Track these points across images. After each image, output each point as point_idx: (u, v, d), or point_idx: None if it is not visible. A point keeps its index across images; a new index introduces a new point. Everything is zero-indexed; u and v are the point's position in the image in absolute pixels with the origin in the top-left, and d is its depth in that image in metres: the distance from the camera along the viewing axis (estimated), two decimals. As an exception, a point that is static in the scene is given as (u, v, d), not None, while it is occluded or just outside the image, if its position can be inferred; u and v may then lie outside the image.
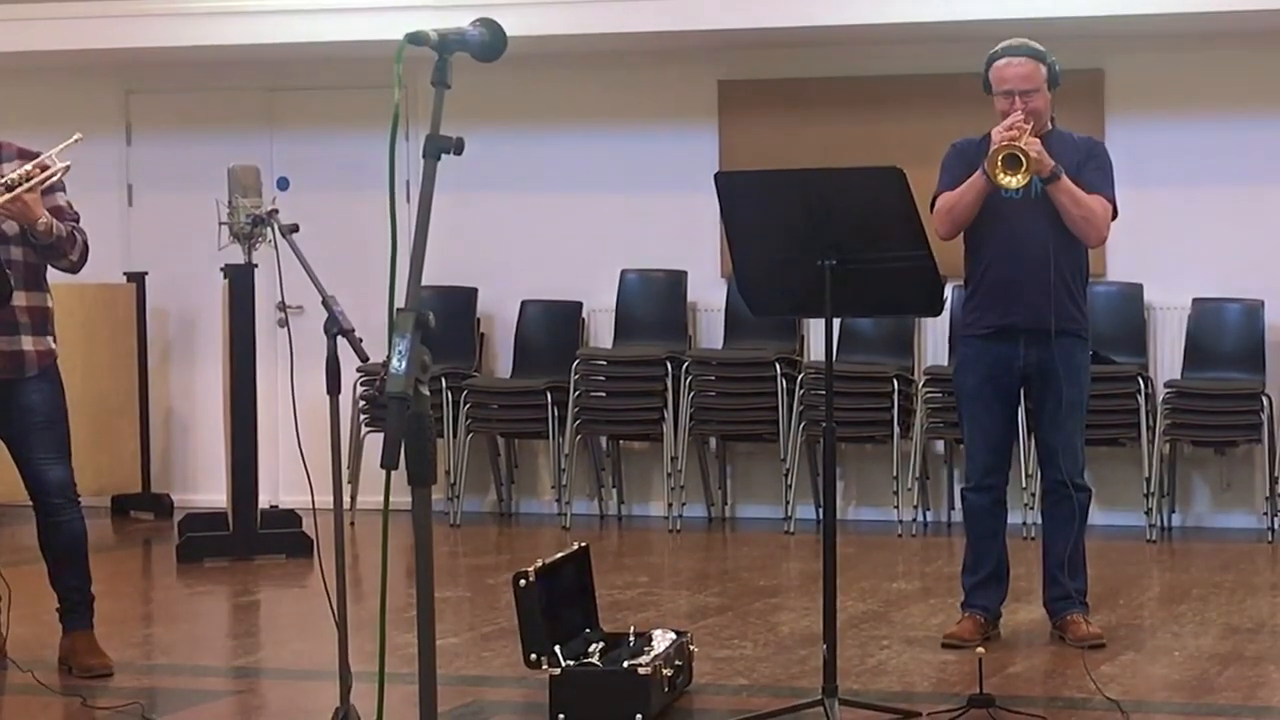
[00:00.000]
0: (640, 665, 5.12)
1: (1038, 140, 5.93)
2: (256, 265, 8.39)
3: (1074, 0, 8.60)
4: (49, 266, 5.80)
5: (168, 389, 10.35)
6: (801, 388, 9.04)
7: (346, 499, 8.29)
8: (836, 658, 5.04)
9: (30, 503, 5.87)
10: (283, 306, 6.48)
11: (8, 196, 5.50)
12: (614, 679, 5.11)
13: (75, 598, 5.90)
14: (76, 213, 5.84)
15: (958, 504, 8.39)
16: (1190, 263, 9.13)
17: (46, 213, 5.61)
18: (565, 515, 9.35)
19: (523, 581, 5.23)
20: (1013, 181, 5.85)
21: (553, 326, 9.79)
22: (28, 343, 5.73)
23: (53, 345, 5.82)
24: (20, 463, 5.77)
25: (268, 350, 9.10)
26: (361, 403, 9.50)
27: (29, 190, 5.54)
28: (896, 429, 8.96)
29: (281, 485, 9.78)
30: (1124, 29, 8.91)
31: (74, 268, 5.79)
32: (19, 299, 5.70)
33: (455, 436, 9.39)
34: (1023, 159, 5.81)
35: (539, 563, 5.35)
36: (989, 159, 5.85)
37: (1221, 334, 9.05)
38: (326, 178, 10.03)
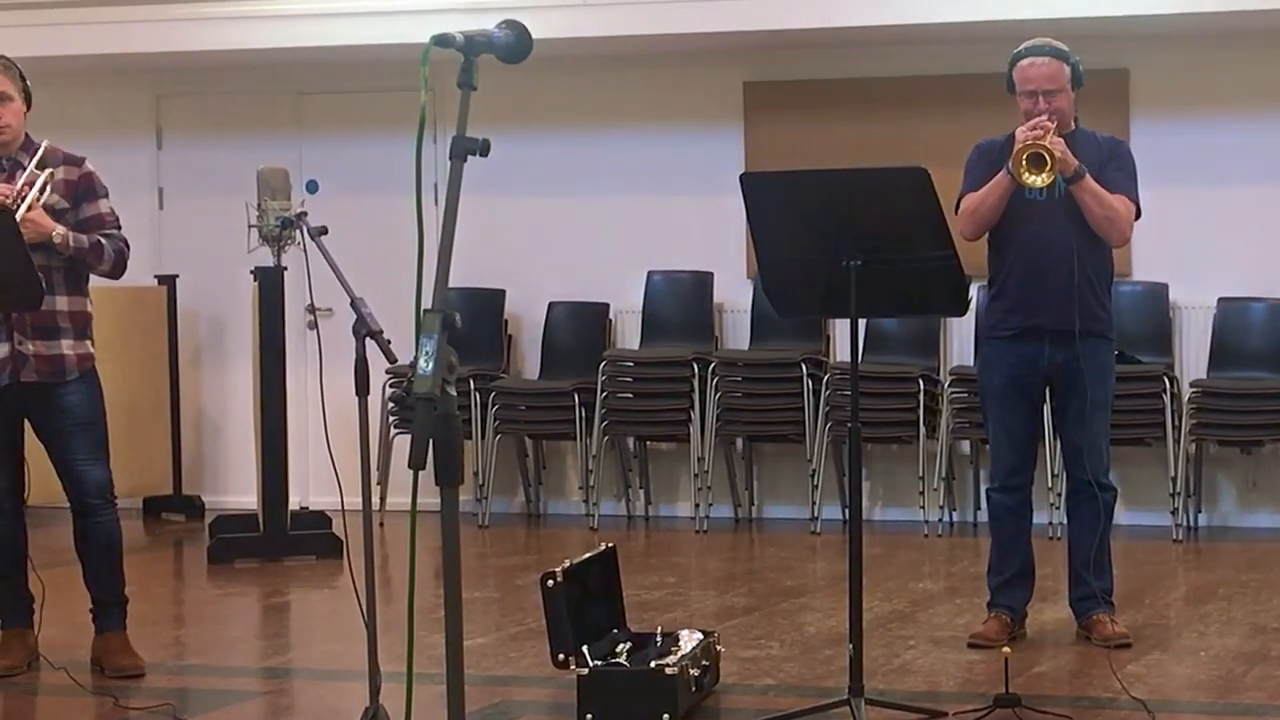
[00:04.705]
0: (667, 665, 5.14)
1: (1062, 140, 5.94)
2: (286, 268, 8.43)
3: (1098, 0, 8.60)
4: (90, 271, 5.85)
5: (199, 391, 10.41)
6: (827, 388, 9.06)
7: (375, 500, 8.33)
8: (862, 658, 5.05)
9: (65, 504, 5.92)
10: (312, 308, 6.54)
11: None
12: (641, 679, 5.13)
13: (108, 598, 5.94)
14: (117, 218, 5.88)
15: (983, 504, 8.40)
16: (1216, 262, 9.13)
17: (60, 228, 5.66)
18: (593, 516, 9.38)
19: (550, 582, 5.25)
20: (1038, 180, 5.86)
21: (580, 328, 9.82)
22: (68, 347, 5.78)
23: (91, 349, 5.86)
24: (59, 464, 5.81)
25: (297, 352, 9.15)
26: (390, 404, 9.53)
27: (29, 210, 5.58)
28: (922, 429, 8.97)
29: (311, 486, 9.82)
30: (1148, 29, 8.90)
31: (108, 275, 5.84)
32: (60, 304, 5.75)
33: (483, 438, 9.42)
34: (1047, 158, 5.82)
35: (567, 563, 5.38)
36: (1014, 158, 5.87)
37: (1247, 333, 9.04)
38: (355, 180, 10.07)
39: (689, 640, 5.44)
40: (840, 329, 9.21)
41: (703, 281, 9.69)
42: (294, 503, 8.79)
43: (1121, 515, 8.09)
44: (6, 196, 5.59)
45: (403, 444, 9.48)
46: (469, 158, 3.19)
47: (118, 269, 5.84)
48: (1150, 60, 9.20)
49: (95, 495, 5.83)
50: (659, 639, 5.52)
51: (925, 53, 9.34)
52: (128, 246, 5.87)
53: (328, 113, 10.26)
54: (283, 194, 8.36)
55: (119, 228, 5.86)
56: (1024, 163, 5.84)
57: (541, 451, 9.95)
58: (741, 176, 5.29)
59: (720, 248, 9.62)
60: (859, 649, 5.03)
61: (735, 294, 9.71)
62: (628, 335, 9.85)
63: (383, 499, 9.54)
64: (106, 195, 5.88)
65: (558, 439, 9.79)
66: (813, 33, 9.07)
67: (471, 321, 9.26)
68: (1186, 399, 8.80)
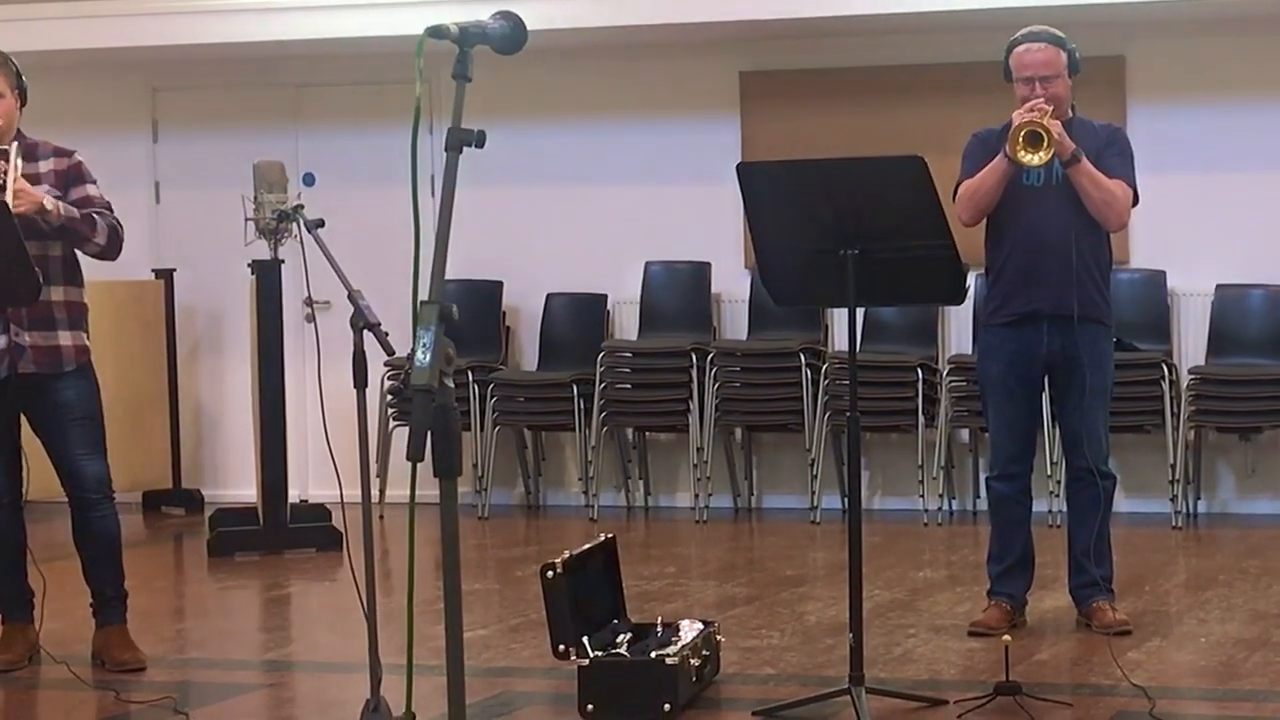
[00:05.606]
0: (668, 655, 5.14)
1: (1058, 122, 5.94)
2: (283, 261, 8.43)
3: (1095, -12, 8.60)
4: (85, 256, 5.81)
5: (197, 385, 10.41)
6: (826, 378, 9.06)
7: (375, 492, 8.35)
8: (863, 646, 5.06)
9: (63, 499, 5.91)
10: (309, 301, 6.52)
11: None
12: (642, 669, 5.14)
13: (109, 593, 5.94)
14: (107, 201, 5.85)
15: (983, 492, 8.41)
16: (1213, 249, 9.13)
17: (50, 196, 5.62)
18: (592, 507, 9.38)
19: (550, 573, 5.25)
20: (1034, 160, 5.86)
21: (578, 319, 9.82)
22: (65, 338, 5.76)
23: (87, 341, 5.85)
24: (57, 458, 5.80)
25: (295, 345, 9.15)
26: (388, 396, 9.54)
27: (14, 183, 5.56)
28: (921, 418, 8.97)
29: (310, 479, 9.83)
30: (1145, 15, 8.90)
31: (104, 252, 5.74)
32: (56, 294, 5.73)
33: (482, 429, 9.43)
34: (1044, 136, 5.82)
35: (566, 554, 5.37)
36: (1010, 137, 5.87)
37: (1245, 320, 9.04)
38: (351, 172, 10.07)
39: (689, 630, 5.45)
40: (838, 318, 9.22)
41: (700, 272, 9.69)
42: (293, 495, 8.80)
43: (1121, 502, 8.11)
44: None
45: (401, 436, 9.48)
46: (465, 149, 3.19)
47: (113, 245, 5.76)
48: (1147, 47, 9.19)
49: (93, 489, 5.82)
50: (659, 629, 5.52)
51: (922, 41, 9.34)
52: (120, 226, 5.82)
53: (324, 105, 10.25)
54: (279, 187, 8.35)
55: (109, 209, 5.83)
56: (1021, 141, 5.85)
57: (540, 443, 9.95)
58: (738, 166, 5.29)
59: (718, 238, 9.62)
60: (859, 638, 5.03)
61: (733, 284, 9.70)
62: (626, 326, 9.85)
63: (382, 491, 9.54)
64: (95, 182, 5.85)
65: (556, 430, 9.79)
66: (809, 22, 9.06)
67: (469, 313, 9.27)
68: (1185, 386, 8.80)
